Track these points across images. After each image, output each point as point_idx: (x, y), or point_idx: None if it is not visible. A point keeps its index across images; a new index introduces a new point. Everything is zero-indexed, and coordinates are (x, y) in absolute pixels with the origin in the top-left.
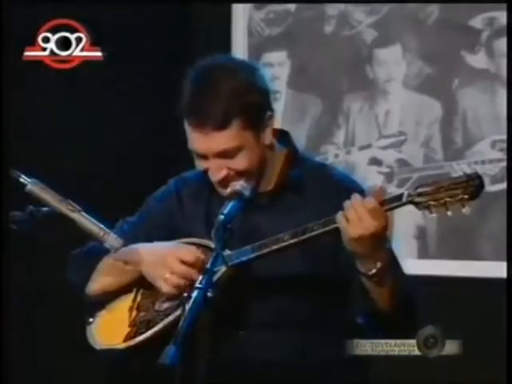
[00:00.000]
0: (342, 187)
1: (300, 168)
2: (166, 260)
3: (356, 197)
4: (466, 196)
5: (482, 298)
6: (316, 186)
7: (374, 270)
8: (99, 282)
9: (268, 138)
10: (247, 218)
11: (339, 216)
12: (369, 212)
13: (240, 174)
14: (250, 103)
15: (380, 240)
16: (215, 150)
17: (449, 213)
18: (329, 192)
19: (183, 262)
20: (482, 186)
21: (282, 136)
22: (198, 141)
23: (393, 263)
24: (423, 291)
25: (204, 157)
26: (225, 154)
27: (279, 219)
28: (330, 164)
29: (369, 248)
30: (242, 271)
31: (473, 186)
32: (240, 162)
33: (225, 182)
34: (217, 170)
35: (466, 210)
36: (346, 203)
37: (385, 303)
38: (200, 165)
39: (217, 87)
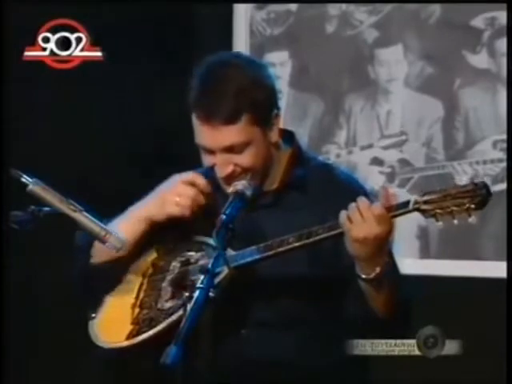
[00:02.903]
0: (346, 187)
1: (304, 167)
2: (173, 188)
3: (362, 200)
4: (472, 206)
5: (482, 297)
6: (320, 186)
7: (372, 275)
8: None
9: (274, 135)
10: (251, 217)
11: (343, 216)
12: (375, 217)
13: (246, 171)
14: (258, 99)
15: (382, 244)
16: (223, 144)
17: (455, 221)
18: (333, 191)
19: (191, 184)
20: (488, 195)
21: (287, 135)
22: (206, 135)
23: (392, 269)
24: (422, 293)
25: (211, 152)
26: (232, 149)
27: (283, 218)
28: (334, 163)
29: (370, 252)
30: (244, 272)
31: (480, 195)
32: (247, 159)
33: (230, 178)
34: (223, 166)
35: (472, 220)
36: (352, 205)
37: (381, 308)
38: (207, 160)
39: (226, 82)
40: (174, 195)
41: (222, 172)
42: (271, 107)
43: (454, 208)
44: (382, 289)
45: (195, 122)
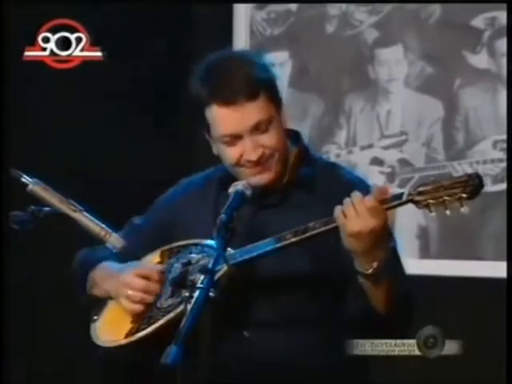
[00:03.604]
0: (352, 186)
1: (310, 166)
2: (124, 279)
3: (356, 194)
4: (464, 195)
5: (482, 298)
6: (326, 185)
7: (370, 270)
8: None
9: (285, 120)
10: (257, 216)
11: (337, 211)
12: (368, 210)
13: (273, 152)
14: (267, 78)
15: (378, 238)
16: (250, 123)
17: (447, 212)
18: (338, 191)
19: (141, 277)
20: (481, 185)
21: (293, 135)
22: (232, 118)
23: (392, 263)
24: (423, 292)
25: (238, 137)
26: (258, 128)
27: (290, 217)
28: (339, 163)
29: (366, 246)
30: (244, 270)
31: (472, 185)
32: (272, 138)
33: (259, 163)
34: (253, 150)
35: (464, 210)
36: (346, 200)
37: (380, 304)
38: (232, 152)
39: (236, 66)
40: (126, 288)
41: (253, 155)
42: (278, 89)
43: (447, 198)
44: (381, 283)
45: (217, 111)
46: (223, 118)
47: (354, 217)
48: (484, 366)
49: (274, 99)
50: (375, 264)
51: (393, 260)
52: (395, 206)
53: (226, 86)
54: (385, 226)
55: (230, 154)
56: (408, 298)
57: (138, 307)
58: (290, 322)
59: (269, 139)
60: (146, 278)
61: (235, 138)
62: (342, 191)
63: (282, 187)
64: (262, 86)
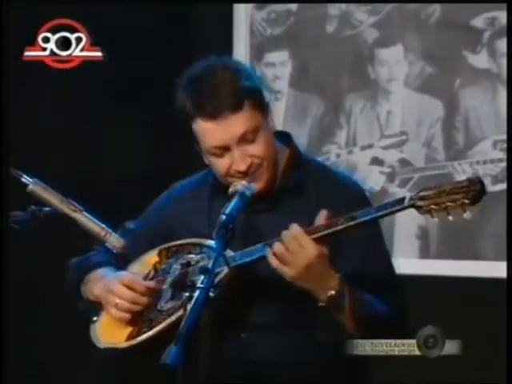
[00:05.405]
0: (346, 190)
1: (302, 170)
2: (113, 287)
3: (283, 239)
4: (466, 201)
5: (482, 298)
6: (319, 188)
7: (327, 301)
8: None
9: (273, 125)
10: (251, 220)
11: (274, 262)
12: (300, 248)
13: (262, 161)
14: (250, 86)
15: (321, 268)
16: (237, 133)
17: (450, 217)
18: (332, 194)
19: (128, 288)
20: (483, 190)
21: (283, 137)
22: (218, 131)
23: (349, 287)
24: (422, 292)
25: (226, 149)
26: (245, 138)
27: (282, 221)
28: (333, 166)
29: (314, 280)
30: (244, 272)
31: (474, 190)
32: (260, 147)
33: (248, 173)
34: (241, 160)
35: (467, 215)
36: (276, 244)
37: (350, 326)
38: (222, 163)
39: (218, 77)
40: (114, 296)
41: (241, 166)
42: (263, 94)
43: (449, 204)
44: (343, 310)
45: (203, 126)
46: (209, 132)
47: (289, 261)
48: (484, 365)
49: (260, 107)
50: (332, 292)
51: (355, 281)
52: (396, 211)
53: (209, 101)
54: (321, 255)
55: (219, 165)
56: (382, 315)
57: (125, 316)
58: (288, 323)
59: (257, 149)
60: (131, 289)
61: (223, 150)
62: (335, 195)
63: (274, 193)
64: (246, 96)
